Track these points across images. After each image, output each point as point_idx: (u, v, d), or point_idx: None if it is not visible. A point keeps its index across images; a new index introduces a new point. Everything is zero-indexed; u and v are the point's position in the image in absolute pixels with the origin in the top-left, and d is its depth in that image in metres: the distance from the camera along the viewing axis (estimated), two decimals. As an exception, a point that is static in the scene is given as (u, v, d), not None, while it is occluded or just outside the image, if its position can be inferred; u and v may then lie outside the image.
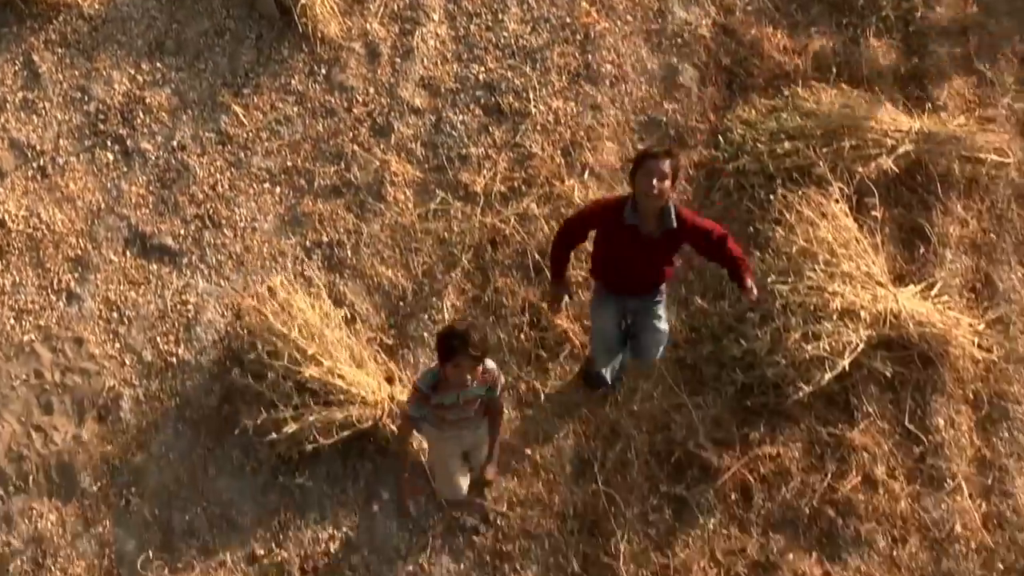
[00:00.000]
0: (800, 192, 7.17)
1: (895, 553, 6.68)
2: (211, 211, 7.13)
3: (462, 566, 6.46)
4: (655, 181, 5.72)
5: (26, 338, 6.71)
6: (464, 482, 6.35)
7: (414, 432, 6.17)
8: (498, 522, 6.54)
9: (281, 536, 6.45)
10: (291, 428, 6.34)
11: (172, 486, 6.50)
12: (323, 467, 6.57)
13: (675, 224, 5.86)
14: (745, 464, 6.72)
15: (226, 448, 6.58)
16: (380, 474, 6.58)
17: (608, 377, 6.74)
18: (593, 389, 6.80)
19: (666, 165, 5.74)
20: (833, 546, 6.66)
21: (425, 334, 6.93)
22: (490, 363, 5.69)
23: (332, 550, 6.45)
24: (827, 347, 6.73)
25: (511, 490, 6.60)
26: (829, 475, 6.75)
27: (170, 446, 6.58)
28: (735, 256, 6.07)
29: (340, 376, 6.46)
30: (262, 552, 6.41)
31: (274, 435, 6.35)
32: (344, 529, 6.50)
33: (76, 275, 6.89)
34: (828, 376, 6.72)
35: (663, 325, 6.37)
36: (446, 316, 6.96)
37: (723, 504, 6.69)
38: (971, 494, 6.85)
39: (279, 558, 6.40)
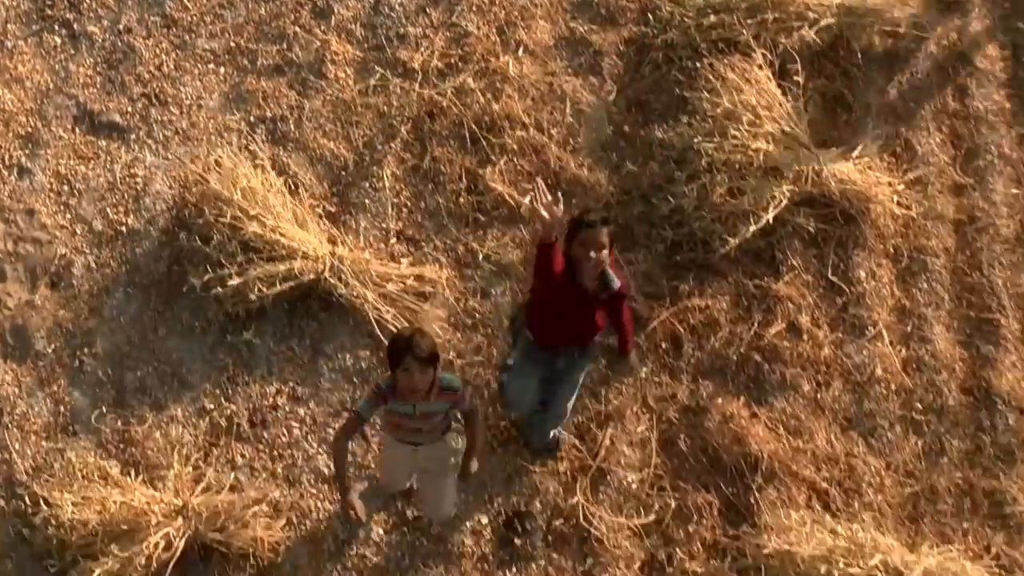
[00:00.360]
0: (725, 60, 7.46)
1: (819, 396, 7.00)
2: (157, 90, 7.36)
3: (405, 415, 6.75)
4: (592, 253, 5.69)
5: (-22, 211, 6.95)
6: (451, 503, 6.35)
7: (349, 449, 6.02)
8: (439, 374, 6.82)
9: (230, 391, 6.71)
10: (235, 281, 6.61)
11: (124, 347, 6.75)
12: (270, 326, 6.83)
13: (616, 287, 5.87)
14: (675, 315, 7.02)
15: (175, 310, 6.83)
16: (325, 332, 6.84)
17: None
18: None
19: (603, 235, 5.70)
20: (760, 390, 6.97)
21: (367, 201, 7.20)
22: (453, 381, 5.63)
23: (279, 404, 6.71)
24: (751, 202, 7.04)
25: (453, 344, 6.88)
26: (755, 324, 7.06)
27: (121, 309, 6.82)
28: (627, 319, 6.29)
29: (282, 234, 6.73)
30: (212, 406, 6.66)
31: (219, 289, 6.62)
32: (291, 384, 6.76)
33: (27, 151, 7.11)
34: (753, 229, 7.04)
35: (570, 403, 6.41)
36: (387, 184, 7.23)
37: (654, 354, 6.99)
38: (891, 341, 7.18)
39: (228, 411, 6.66)
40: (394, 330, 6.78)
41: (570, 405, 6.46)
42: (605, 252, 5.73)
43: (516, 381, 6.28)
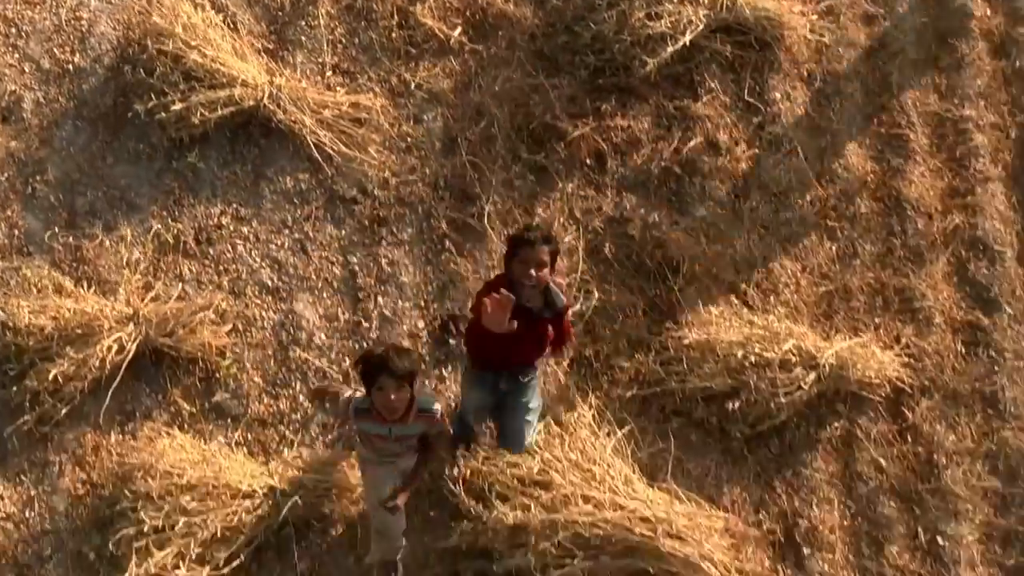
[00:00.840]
0: None
1: (737, 206, 7.39)
2: (98, -62, 7.68)
3: (343, 232, 7.11)
4: (532, 271, 5.55)
5: (-71, 52, 7.27)
6: (400, 531, 6.13)
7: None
8: (375, 193, 7.17)
9: (177, 212, 7.06)
10: (178, 107, 6.96)
11: (74, 174, 7.08)
12: (213, 152, 7.17)
13: (561, 305, 5.76)
14: (598, 132, 7.38)
15: (122, 139, 7.16)
16: (266, 157, 7.19)
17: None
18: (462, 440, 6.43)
19: (543, 253, 5.55)
20: (681, 201, 7.35)
21: (303, 38, 7.53)
22: (431, 403, 5.56)
23: (224, 223, 7.06)
24: (669, 24, 7.40)
25: (388, 165, 7.23)
26: (676, 141, 7.44)
27: (70, 140, 7.15)
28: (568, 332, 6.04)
29: (222, 63, 7.07)
30: (159, 227, 7.00)
31: (163, 114, 6.96)
32: (234, 206, 7.10)
33: (-27, -2, 7.44)
34: (670, 50, 7.40)
35: (532, 417, 6.24)
36: (322, 22, 7.56)
37: (580, 171, 7.36)
38: (806, 156, 7.56)
39: (175, 230, 7.00)
40: (332, 153, 7.17)
41: (533, 419, 6.30)
42: (546, 271, 5.58)
43: (470, 398, 6.23)
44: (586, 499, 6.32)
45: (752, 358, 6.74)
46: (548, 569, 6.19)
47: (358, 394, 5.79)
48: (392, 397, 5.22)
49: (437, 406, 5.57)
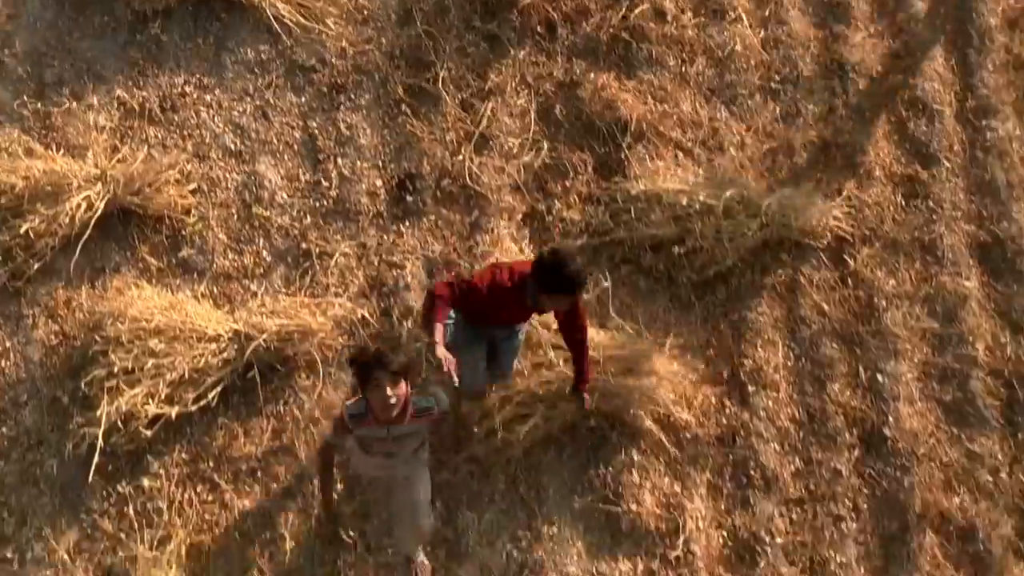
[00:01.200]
0: None
1: (684, 70, 7.65)
2: None
3: (303, 99, 7.37)
4: (567, 307, 5.70)
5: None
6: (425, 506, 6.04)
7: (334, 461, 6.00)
8: (333, 62, 7.44)
9: (142, 82, 7.31)
10: (139, -23, 7.25)
11: (41, 48, 7.32)
12: (176, 26, 7.42)
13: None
14: (549, 2, 7.64)
15: (88, 15, 7.41)
16: (227, 30, 7.44)
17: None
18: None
19: (583, 294, 5.64)
20: (629, 66, 7.62)
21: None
22: (427, 401, 5.54)
23: (188, 91, 7.31)
24: None
25: (345, 35, 7.50)
26: (623, 9, 7.70)
27: (37, 16, 7.39)
28: (585, 346, 6.03)
29: (183, -62, 7.34)
30: (126, 96, 7.26)
31: (122, -19, 7.26)
32: (197, 76, 7.36)
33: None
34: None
35: (518, 342, 6.32)
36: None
37: (531, 39, 7.62)
38: (751, 24, 7.83)
39: (140, 98, 7.26)
40: (291, 26, 7.43)
41: (515, 359, 6.42)
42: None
43: (465, 368, 5.79)
44: (536, 367, 6.60)
45: (697, 205, 7.01)
46: (512, 425, 6.49)
47: (349, 401, 5.80)
48: (388, 392, 5.14)
49: (434, 403, 5.57)
